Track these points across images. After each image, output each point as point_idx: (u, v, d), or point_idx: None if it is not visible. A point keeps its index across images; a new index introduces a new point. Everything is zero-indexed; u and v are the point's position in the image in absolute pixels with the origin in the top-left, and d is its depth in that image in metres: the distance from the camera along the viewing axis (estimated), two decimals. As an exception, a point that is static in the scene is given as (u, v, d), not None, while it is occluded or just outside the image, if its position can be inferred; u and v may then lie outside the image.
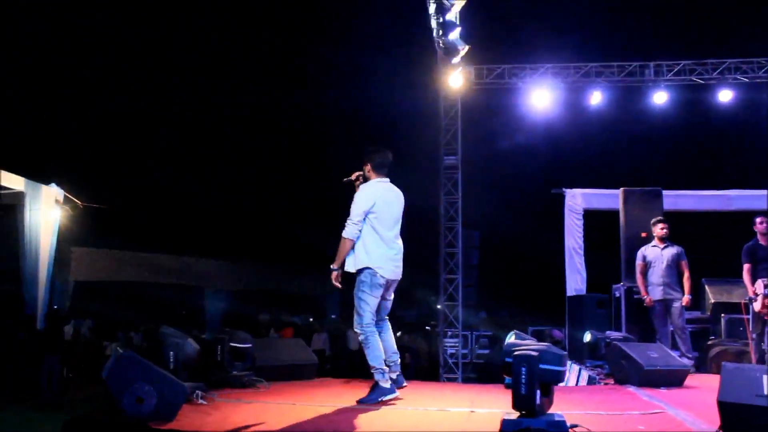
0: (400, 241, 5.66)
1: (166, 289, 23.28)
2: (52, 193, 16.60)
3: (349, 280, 5.64)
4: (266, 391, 6.03)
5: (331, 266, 5.52)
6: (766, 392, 3.35)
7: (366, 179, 5.74)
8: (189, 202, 21.70)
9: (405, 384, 5.77)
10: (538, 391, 3.72)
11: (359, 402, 5.25)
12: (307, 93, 20.23)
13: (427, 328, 15.52)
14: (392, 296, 5.77)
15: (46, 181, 16.42)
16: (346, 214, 5.58)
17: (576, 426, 3.77)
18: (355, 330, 5.51)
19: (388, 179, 5.73)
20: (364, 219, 5.48)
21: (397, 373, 5.68)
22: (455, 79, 13.22)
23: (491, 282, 17.57)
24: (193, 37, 18.37)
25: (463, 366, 13.32)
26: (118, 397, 4.25)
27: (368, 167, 5.70)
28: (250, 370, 6.45)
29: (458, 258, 13.38)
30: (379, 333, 5.57)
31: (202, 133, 20.57)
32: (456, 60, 12.58)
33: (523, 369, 3.73)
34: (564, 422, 3.71)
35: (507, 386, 3.90)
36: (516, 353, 3.79)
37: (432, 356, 14.34)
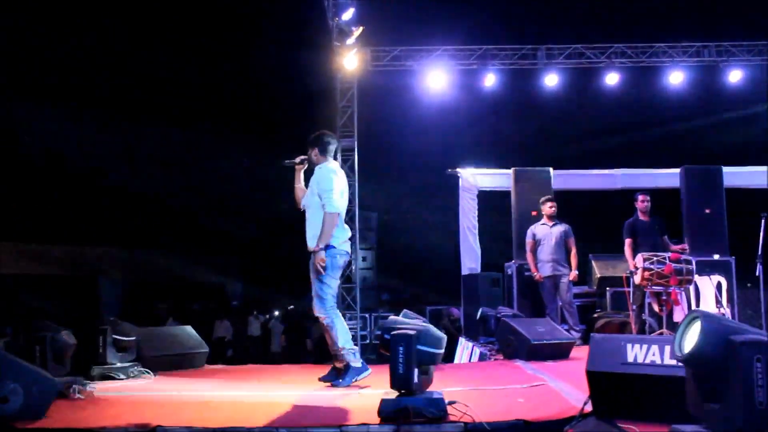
0: None
1: (54, 281, 22.24)
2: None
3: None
4: (152, 381, 5.86)
5: (317, 247, 5.33)
6: (629, 360, 3.49)
7: (311, 163, 5.68)
8: (77, 185, 20.71)
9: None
10: (416, 370, 3.73)
11: (333, 385, 5.21)
12: (200, 75, 19.65)
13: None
14: None
15: None
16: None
17: (454, 402, 3.81)
18: (317, 315, 5.39)
19: (337, 163, 5.74)
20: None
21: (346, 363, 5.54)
22: (350, 60, 13.17)
23: (389, 263, 17.70)
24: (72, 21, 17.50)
25: (362, 347, 13.37)
26: (-21, 397, 3.98)
27: (315, 151, 5.63)
28: (136, 361, 6.25)
29: (355, 240, 13.40)
30: None
31: (91, 106, 19.58)
32: (350, 41, 12.53)
33: (401, 348, 3.72)
34: (442, 400, 3.74)
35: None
36: (394, 332, 3.78)
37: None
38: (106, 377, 5.85)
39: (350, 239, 5.61)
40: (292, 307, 20.86)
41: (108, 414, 4.23)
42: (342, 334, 5.35)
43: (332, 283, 5.37)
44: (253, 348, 17.97)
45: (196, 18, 18.54)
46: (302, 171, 5.77)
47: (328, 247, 5.36)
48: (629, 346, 3.51)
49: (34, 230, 20.79)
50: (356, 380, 5.24)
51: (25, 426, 3.85)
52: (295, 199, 5.79)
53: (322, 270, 5.28)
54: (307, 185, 5.72)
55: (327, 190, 5.42)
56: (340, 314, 5.51)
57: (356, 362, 5.32)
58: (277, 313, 22.50)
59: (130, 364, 6.12)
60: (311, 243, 5.42)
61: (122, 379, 5.87)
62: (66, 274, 22.52)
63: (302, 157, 5.74)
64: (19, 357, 4.49)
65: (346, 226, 5.60)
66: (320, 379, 5.48)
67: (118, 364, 6.06)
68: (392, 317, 4.27)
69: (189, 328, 7.38)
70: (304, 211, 5.66)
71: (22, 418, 3.94)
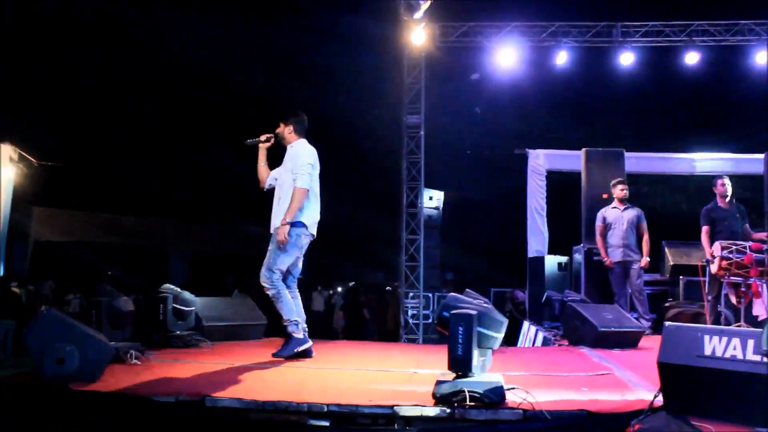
0: None
1: (128, 251, 22.94)
2: (6, 151, 16.13)
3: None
4: (209, 351, 5.85)
5: (284, 220, 5.29)
6: (707, 353, 3.22)
7: (282, 140, 5.63)
8: (152, 162, 21.24)
9: (312, 355, 5.58)
10: (476, 352, 3.56)
11: (274, 355, 5.26)
12: (262, 49, 19.70)
13: (387, 288, 15.37)
14: None
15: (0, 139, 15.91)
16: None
17: (514, 387, 3.62)
18: (263, 284, 5.42)
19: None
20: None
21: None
22: (418, 35, 12.92)
23: (454, 243, 17.43)
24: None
25: (424, 327, 13.25)
26: (38, 358, 4.02)
27: (289, 129, 5.59)
28: (194, 329, 6.27)
29: (420, 218, 13.24)
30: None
31: (163, 87, 19.99)
32: (418, 15, 12.28)
33: (461, 328, 3.55)
34: (500, 384, 3.55)
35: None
36: (454, 312, 3.61)
37: (394, 317, 14.26)
38: (164, 344, 5.88)
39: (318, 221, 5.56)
40: (353, 283, 20.92)
41: (161, 381, 4.22)
42: (287, 305, 5.37)
43: (287, 260, 5.39)
44: (317, 323, 18.08)
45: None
46: (266, 149, 5.72)
47: (299, 224, 5.33)
48: (707, 337, 3.23)
49: (108, 201, 21.45)
50: (297, 350, 5.27)
51: (80, 388, 3.87)
52: (259, 178, 5.77)
53: (283, 242, 5.27)
54: (272, 165, 5.70)
55: (303, 165, 5.36)
56: (296, 291, 5.52)
57: (298, 333, 5.36)
58: (339, 289, 22.59)
59: (189, 332, 6.14)
60: (277, 222, 5.37)
61: (180, 346, 5.89)
62: (137, 244, 23.26)
63: (267, 135, 5.69)
64: (79, 320, 4.54)
65: (318, 203, 5.55)
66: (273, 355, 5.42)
67: (177, 332, 6.09)
68: (453, 294, 4.09)
69: (249, 300, 7.38)
70: (269, 191, 5.68)
71: (77, 380, 3.98)
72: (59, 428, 3.67)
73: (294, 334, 5.34)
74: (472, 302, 3.96)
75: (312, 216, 5.45)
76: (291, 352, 5.26)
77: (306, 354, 5.39)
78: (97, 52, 18.64)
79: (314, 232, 5.51)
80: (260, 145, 5.73)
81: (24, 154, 16.60)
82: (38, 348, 4.05)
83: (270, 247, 5.38)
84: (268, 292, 5.39)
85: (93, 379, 4.07)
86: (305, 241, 5.45)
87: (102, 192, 21.38)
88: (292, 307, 5.40)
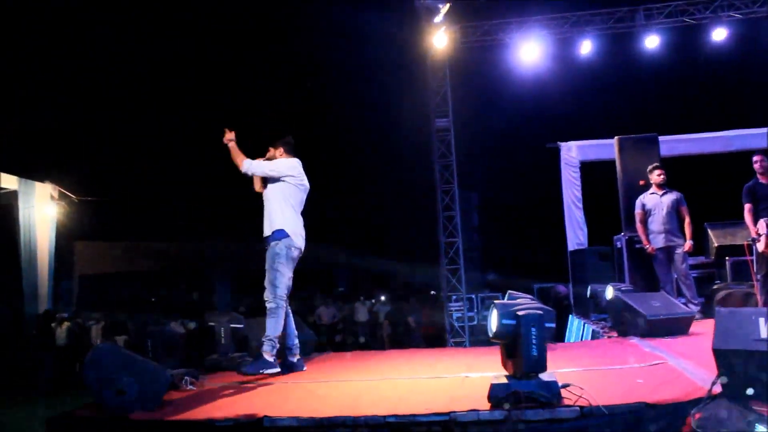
0: None
1: (172, 277, 23.31)
2: (47, 189, 16.51)
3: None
4: (261, 371, 5.90)
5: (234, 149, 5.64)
6: (763, 335, 3.17)
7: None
8: (186, 185, 21.57)
9: (304, 368, 5.73)
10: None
11: (239, 372, 5.34)
12: (290, 64, 19.89)
13: (432, 293, 15.34)
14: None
15: (40, 178, 16.31)
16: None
17: (568, 385, 3.60)
18: (266, 299, 5.51)
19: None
20: (277, 180, 5.57)
21: (298, 357, 5.72)
22: (440, 39, 12.94)
23: (494, 242, 17.32)
24: (190, 23, 18.13)
25: (470, 329, 13.19)
26: (98, 391, 4.11)
27: (280, 151, 5.76)
28: (245, 351, 6.33)
29: (457, 221, 13.21)
30: None
31: (196, 115, 20.35)
32: (438, 19, 12.30)
33: (533, 330, 3.54)
34: (555, 382, 3.54)
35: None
36: (522, 314, 3.59)
37: (439, 321, 14.24)
38: (217, 368, 5.95)
39: (303, 236, 5.66)
40: (396, 291, 20.91)
41: (217, 405, 4.28)
42: (274, 325, 5.43)
43: (285, 272, 5.48)
44: (361, 333, 18.14)
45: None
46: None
47: (283, 234, 5.45)
48: (762, 320, 3.18)
49: (147, 229, 21.82)
50: (262, 372, 5.30)
51: (141, 418, 3.95)
52: (254, 184, 5.88)
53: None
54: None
55: (268, 164, 5.62)
56: (287, 309, 5.58)
57: (269, 356, 5.39)
58: (383, 298, 22.63)
59: (239, 354, 6.20)
60: (266, 231, 5.55)
61: (233, 369, 5.93)
62: (180, 269, 23.59)
63: (260, 160, 5.83)
64: (133, 350, 4.62)
65: (299, 218, 5.65)
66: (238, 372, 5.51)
67: (229, 355, 6.15)
68: (500, 302, 4.07)
69: (295, 317, 7.41)
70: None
71: (137, 409, 4.05)
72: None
73: (264, 354, 5.38)
74: (520, 303, 3.94)
75: (294, 226, 5.56)
76: (256, 372, 5.29)
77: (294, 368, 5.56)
78: (133, 82, 19.03)
79: (301, 245, 5.61)
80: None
81: (64, 191, 16.98)
82: (97, 381, 4.14)
83: (267, 265, 5.50)
84: (267, 305, 5.48)
85: (152, 407, 4.15)
86: (295, 253, 5.54)
87: (140, 221, 21.77)
88: (279, 328, 5.45)
